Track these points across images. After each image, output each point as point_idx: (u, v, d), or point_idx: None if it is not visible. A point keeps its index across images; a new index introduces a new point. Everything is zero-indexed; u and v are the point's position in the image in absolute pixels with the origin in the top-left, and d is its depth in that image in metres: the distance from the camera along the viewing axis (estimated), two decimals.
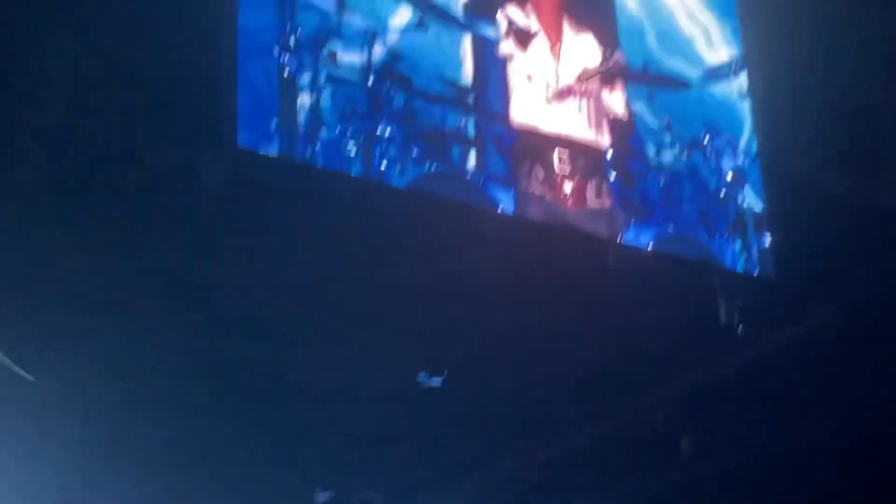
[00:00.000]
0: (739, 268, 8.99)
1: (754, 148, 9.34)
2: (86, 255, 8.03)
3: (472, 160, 7.91)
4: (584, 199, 8.34)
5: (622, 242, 8.43)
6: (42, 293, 8.26)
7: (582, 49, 8.86)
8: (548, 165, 8.24)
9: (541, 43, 8.58)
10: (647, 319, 9.18)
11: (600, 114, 8.73)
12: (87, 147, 7.22)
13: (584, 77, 8.64)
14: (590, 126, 8.62)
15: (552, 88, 8.55)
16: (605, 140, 8.67)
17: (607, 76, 8.74)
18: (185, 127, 7.04)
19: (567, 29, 8.81)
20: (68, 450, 10.72)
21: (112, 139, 7.23)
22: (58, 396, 9.62)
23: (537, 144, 8.30)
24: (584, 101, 8.66)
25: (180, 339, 8.99)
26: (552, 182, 8.21)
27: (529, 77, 8.43)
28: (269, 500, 13.37)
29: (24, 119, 6.97)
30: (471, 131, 7.98)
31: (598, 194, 8.43)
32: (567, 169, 8.30)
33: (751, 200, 9.19)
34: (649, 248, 8.55)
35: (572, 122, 8.55)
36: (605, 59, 8.77)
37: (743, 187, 9.21)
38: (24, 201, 7.41)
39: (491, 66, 8.32)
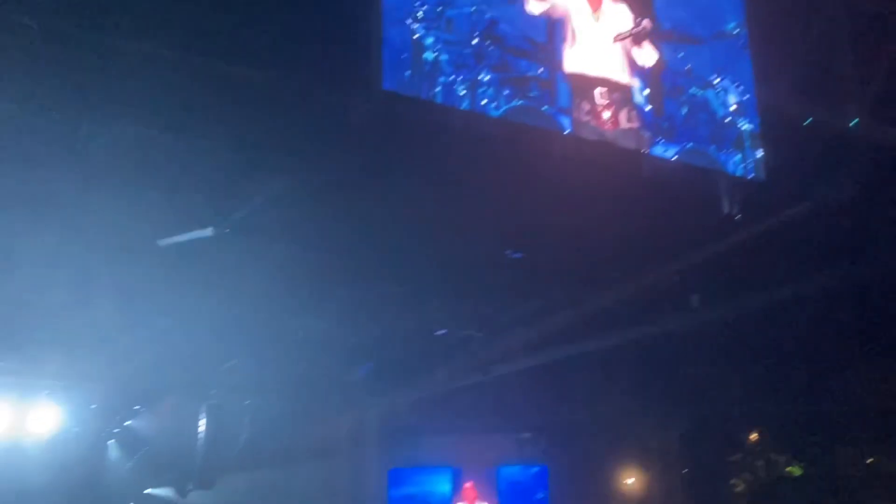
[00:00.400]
0: (739, 173, 9.21)
1: (752, 86, 9.44)
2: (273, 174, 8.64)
3: (545, 97, 8.17)
4: (619, 123, 8.63)
5: (652, 154, 8.75)
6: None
7: (621, 16, 8.97)
8: (594, 100, 8.52)
9: (590, 11, 8.78)
10: (670, 210, 9.49)
11: (634, 62, 8.86)
12: (265, 94, 7.47)
13: (621, 37, 8.84)
14: (625, 71, 8.78)
15: (600, 44, 8.79)
16: (637, 81, 8.83)
17: (640, 35, 8.90)
18: (346, 76, 7.47)
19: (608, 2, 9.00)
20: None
21: (290, 88, 7.48)
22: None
23: (588, 85, 8.48)
24: (622, 53, 8.82)
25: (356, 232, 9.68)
26: (597, 111, 8.52)
27: (584, 35, 8.66)
28: (406, 333, 14.07)
29: (217, 71, 7.18)
30: (545, 76, 8.23)
31: (630, 120, 8.69)
32: (607, 102, 8.57)
33: (748, 125, 9.32)
34: (673, 159, 8.86)
35: (613, 68, 8.70)
36: (638, 23, 8.94)
37: (743, 115, 9.34)
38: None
39: (558, 29, 8.47)
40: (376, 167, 8.22)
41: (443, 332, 14.05)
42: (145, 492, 20.40)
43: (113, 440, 19.94)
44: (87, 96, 7.01)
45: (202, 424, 16.51)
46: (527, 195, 8.66)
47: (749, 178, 9.26)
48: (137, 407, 18.28)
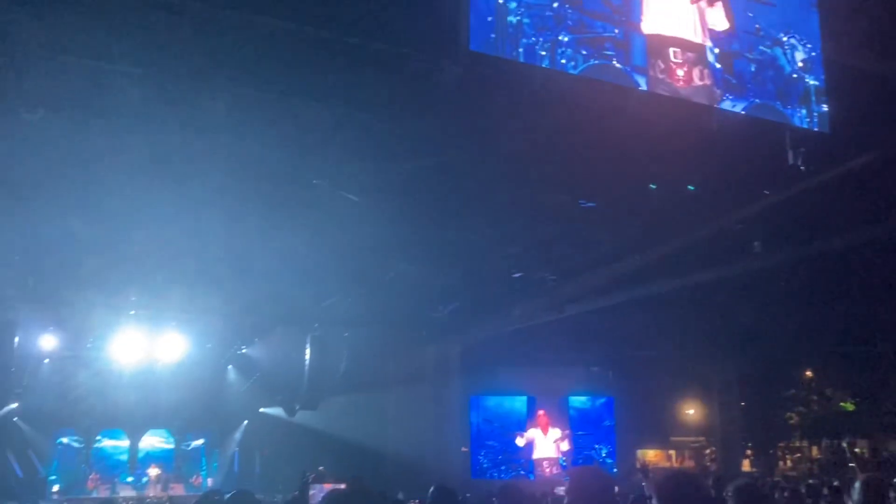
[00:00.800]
0: (804, 126, 8.84)
1: (819, 43, 8.96)
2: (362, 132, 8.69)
3: (621, 56, 7.96)
4: (692, 81, 8.33)
5: (722, 109, 8.44)
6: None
7: None
8: (668, 58, 8.24)
9: None
10: (738, 161, 9.18)
11: (706, 23, 8.48)
12: (361, 59, 7.37)
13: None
14: (698, 31, 8.41)
15: (674, 5, 8.43)
16: (709, 40, 8.48)
17: None
18: (436, 39, 7.38)
19: None
20: None
21: (383, 52, 7.35)
22: None
23: (662, 45, 8.19)
24: (695, 14, 8.44)
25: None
26: (671, 69, 8.23)
27: None
28: (487, 275, 14.13)
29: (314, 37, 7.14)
30: (621, 36, 8.00)
31: (702, 77, 8.37)
32: (681, 61, 8.27)
33: (814, 81, 8.86)
34: (741, 114, 8.52)
35: (686, 28, 8.35)
36: None
37: (809, 71, 8.89)
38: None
39: None
40: (462, 123, 8.16)
41: (519, 274, 14.03)
42: (260, 410, 21.28)
43: (231, 365, 20.81)
44: (203, 62, 7.11)
45: (307, 353, 16.99)
46: (602, 148, 8.43)
47: (814, 130, 8.85)
48: (252, 337, 18.98)
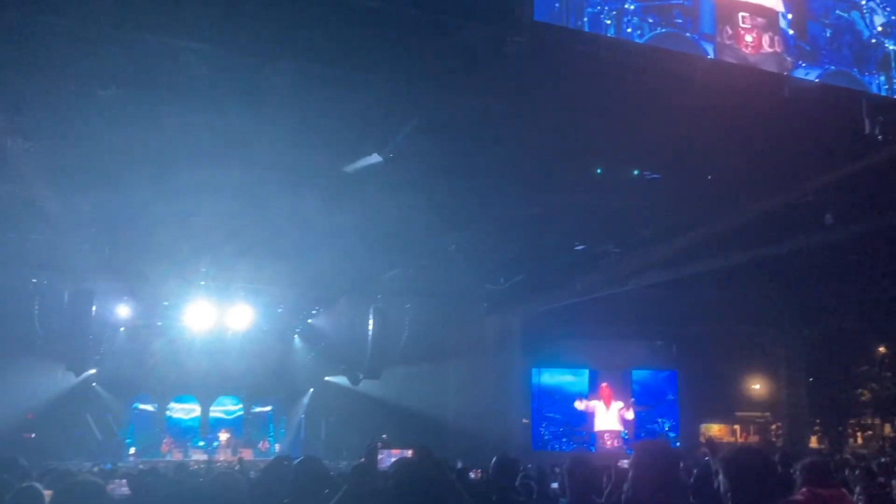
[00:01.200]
0: (882, 93, 8.44)
1: None
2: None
3: (688, 24, 7.71)
4: (762, 47, 8.03)
5: (794, 77, 8.12)
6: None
7: None
8: (737, 24, 7.95)
9: None
10: (810, 131, 8.85)
11: None
12: (426, 31, 7.24)
13: None
14: None
15: None
16: (781, 5, 8.10)
17: None
18: (500, 10, 7.27)
19: None
20: None
21: (449, 24, 7.22)
22: None
23: (732, 10, 7.88)
24: None
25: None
26: (740, 36, 7.95)
27: None
28: (549, 248, 14.07)
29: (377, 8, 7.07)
30: (689, 3, 7.71)
31: (773, 44, 8.06)
32: (750, 26, 7.97)
33: (894, 46, 8.46)
34: (815, 81, 8.18)
35: None
36: None
37: (890, 35, 8.47)
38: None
39: None
40: (526, 95, 8.05)
41: (582, 247, 13.90)
42: (325, 379, 21.72)
43: (297, 335, 21.27)
44: (266, 37, 7.16)
45: (370, 324, 17.22)
46: (668, 118, 8.20)
47: (893, 98, 8.42)
48: (316, 308, 19.33)
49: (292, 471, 4.19)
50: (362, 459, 3.12)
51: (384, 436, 14.84)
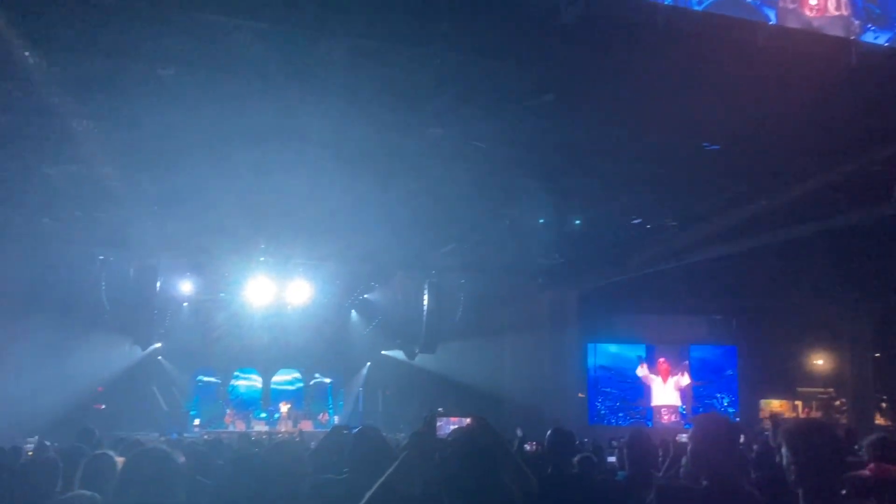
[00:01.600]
0: None
1: None
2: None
3: None
4: (827, 11, 7.73)
5: (862, 42, 7.79)
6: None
7: None
8: None
9: None
10: (879, 98, 8.48)
11: None
12: (505, 5, 7.17)
13: None
14: None
15: None
16: None
17: None
18: None
19: None
20: None
21: None
22: None
23: None
24: None
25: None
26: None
27: None
28: (605, 222, 13.89)
29: None
30: None
31: (839, 7, 7.75)
32: None
33: None
34: (885, 45, 7.83)
35: None
36: None
37: None
38: None
39: None
40: (581, 66, 7.91)
41: (638, 220, 13.68)
42: (381, 353, 21.99)
43: (354, 310, 21.54)
44: (320, 13, 7.17)
45: (425, 299, 17.34)
46: (727, 88, 7.97)
47: None
48: (373, 283, 19.53)
49: (350, 440, 4.26)
50: (423, 427, 3.14)
51: (440, 409, 14.97)
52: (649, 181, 11.51)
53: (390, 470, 2.94)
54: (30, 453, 7.54)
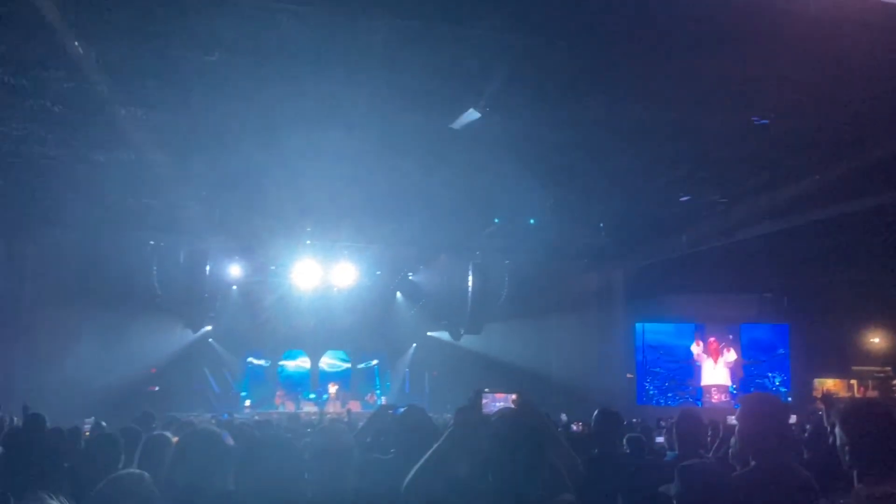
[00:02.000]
0: None
1: None
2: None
3: None
4: None
5: None
6: None
7: None
8: None
9: None
10: None
11: None
12: None
13: None
14: None
15: None
16: None
17: None
18: None
19: None
20: None
21: None
22: None
23: None
24: None
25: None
26: None
27: None
28: (652, 200, 13.71)
29: None
30: None
31: None
32: None
33: None
34: None
35: None
36: None
37: None
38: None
39: None
40: (631, 40, 7.74)
41: (687, 198, 13.43)
42: (427, 334, 22.12)
43: (399, 292, 21.68)
44: None
45: (469, 280, 17.35)
46: (776, 60, 7.73)
47: None
48: (417, 264, 19.61)
49: (396, 419, 4.30)
50: (467, 403, 3.16)
51: (486, 389, 15.01)
52: (697, 158, 11.29)
53: (435, 446, 2.96)
54: (86, 434, 7.77)
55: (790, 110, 9.38)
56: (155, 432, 4.45)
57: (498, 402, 3.21)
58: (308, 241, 16.84)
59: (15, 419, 8.63)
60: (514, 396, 3.14)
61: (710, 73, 8.15)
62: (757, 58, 7.74)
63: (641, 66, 8.25)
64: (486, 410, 3.18)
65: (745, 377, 19.91)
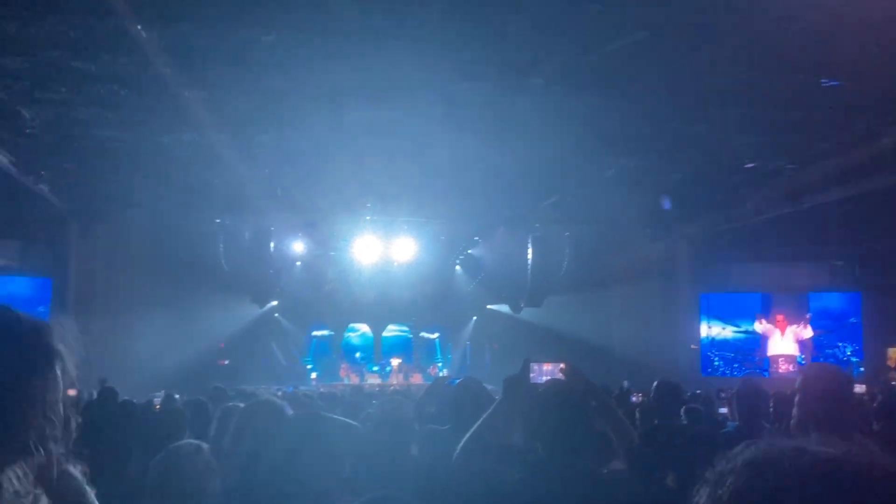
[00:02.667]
0: None
1: None
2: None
3: None
4: None
5: None
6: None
7: None
8: None
9: None
10: None
11: None
12: None
13: None
14: None
15: None
16: None
17: None
18: None
19: None
20: None
21: None
22: None
23: None
24: None
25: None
26: None
27: None
28: (716, 166, 13.37)
29: None
30: None
31: None
32: None
33: None
34: None
35: None
36: None
37: None
38: None
39: None
40: (695, 8, 7.53)
41: (753, 164, 13.06)
42: (487, 307, 22.18)
43: (458, 265, 21.77)
44: None
45: (529, 253, 17.28)
46: (846, 19, 7.43)
47: None
48: (476, 238, 19.63)
49: (452, 391, 4.36)
50: (516, 374, 3.19)
51: (534, 359, 14.97)
52: (763, 122, 10.94)
53: (483, 416, 3.01)
54: (157, 406, 8.09)
55: (860, 72, 9.01)
56: (229, 404, 4.63)
57: (545, 374, 3.23)
58: (368, 217, 17.01)
59: (94, 393, 9.03)
60: (561, 366, 3.15)
61: (776, 33, 7.87)
62: (826, 15, 7.44)
63: (706, 31, 8.03)
64: (534, 380, 3.20)
65: (815, 347, 19.39)
